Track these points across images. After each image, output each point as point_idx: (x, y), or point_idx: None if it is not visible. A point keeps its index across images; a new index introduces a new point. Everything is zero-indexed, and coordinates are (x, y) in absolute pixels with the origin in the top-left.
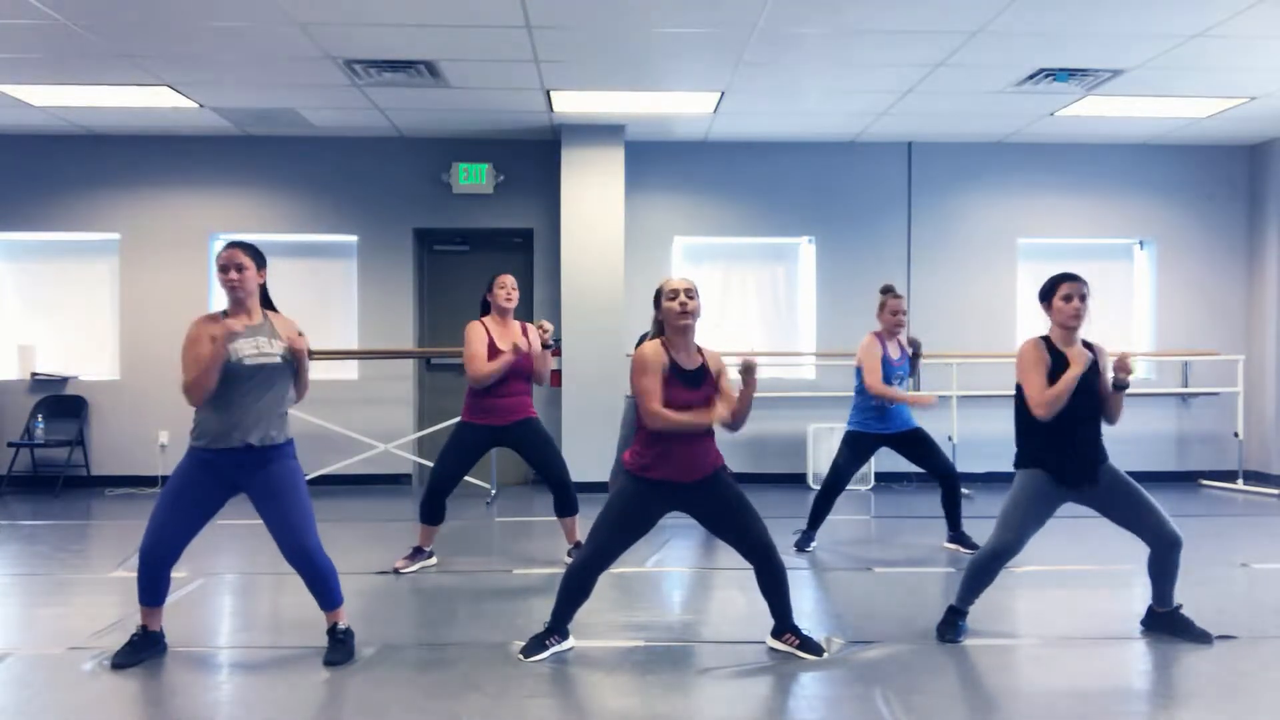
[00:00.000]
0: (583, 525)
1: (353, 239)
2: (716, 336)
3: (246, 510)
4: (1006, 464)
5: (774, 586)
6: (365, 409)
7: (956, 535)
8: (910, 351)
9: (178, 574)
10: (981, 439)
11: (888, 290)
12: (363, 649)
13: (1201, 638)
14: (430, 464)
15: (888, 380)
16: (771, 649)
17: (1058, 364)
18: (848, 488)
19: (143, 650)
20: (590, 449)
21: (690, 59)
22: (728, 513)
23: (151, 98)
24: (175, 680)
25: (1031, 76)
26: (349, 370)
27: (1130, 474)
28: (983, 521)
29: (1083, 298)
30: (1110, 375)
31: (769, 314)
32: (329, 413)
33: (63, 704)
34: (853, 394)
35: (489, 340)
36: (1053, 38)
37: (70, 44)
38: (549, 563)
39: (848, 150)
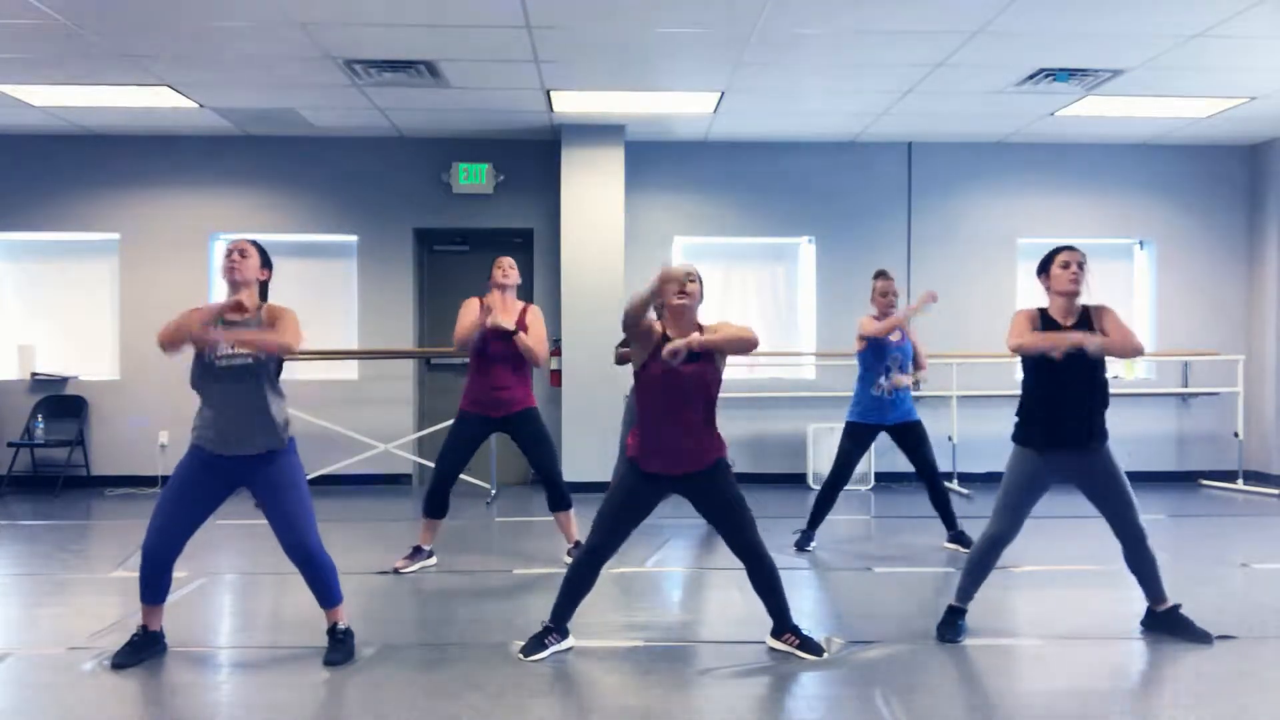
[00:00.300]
0: (581, 526)
1: (353, 239)
2: None
3: (246, 510)
4: (1005, 464)
5: (767, 588)
6: (365, 409)
7: (955, 535)
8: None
9: (178, 574)
10: (981, 439)
11: (877, 275)
12: (363, 649)
13: (1201, 638)
14: (430, 464)
15: (884, 360)
16: (771, 649)
17: (1049, 328)
18: (847, 487)
19: (143, 650)
20: (590, 448)
21: (690, 59)
22: (720, 511)
23: (151, 98)
24: (175, 680)
25: (1031, 76)
26: (349, 370)
27: (1130, 474)
28: (983, 522)
29: (1080, 265)
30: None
31: (769, 314)
32: (329, 413)
33: (63, 704)
34: (852, 391)
35: (483, 326)
36: (1053, 38)
37: (70, 44)
38: (549, 562)
39: (848, 150)
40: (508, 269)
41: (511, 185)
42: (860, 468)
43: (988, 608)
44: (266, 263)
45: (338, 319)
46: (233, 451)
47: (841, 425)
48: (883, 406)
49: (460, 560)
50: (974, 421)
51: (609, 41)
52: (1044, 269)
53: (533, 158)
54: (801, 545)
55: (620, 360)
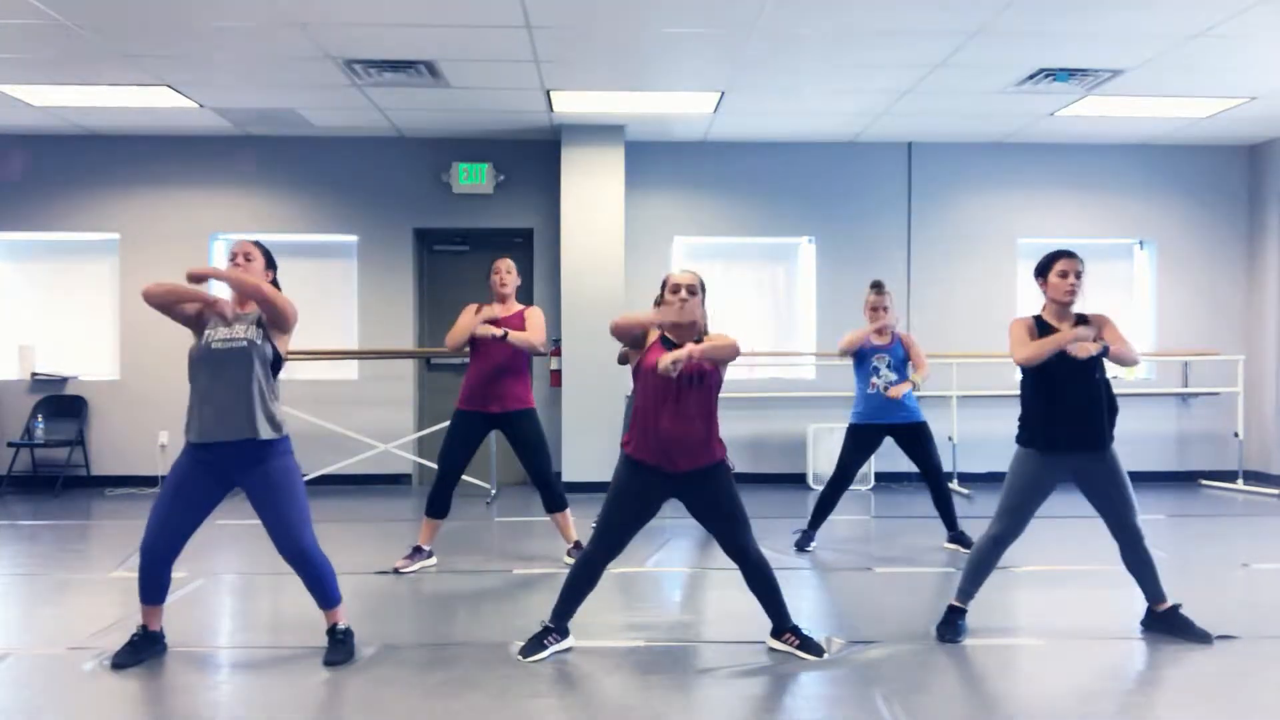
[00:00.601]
0: (581, 527)
1: (353, 239)
2: None
3: (246, 510)
4: (1006, 464)
5: (763, 590)
6: (365, 409)
7: (956, 535)
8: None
9: (177, 574)
10: (981, 439)
11: (871, 286)
12: (363, 649)
13: (1201, 638)
14: (430, 464)
15: (868, 360)
16: (771, 649)
17: (1045, 335)
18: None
19: (143, 650)
20: (590, 449)
21: (690, 59)
22: (714, 512)
23: (151, 98)
24: (175, 680)
25: (1031, 76)
26: (349, 370)
27: (1130, 474)
28: (984, 522)
29: (1078, 275)
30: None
31: (769, 314)
32: (329, 413)
33: (63, 704)
34: (853, 392)
35: (476, 313)
36: (1053, 38)
37: (70, 44)
38: (549, 562)
39: (848, 150)
40: (505, 274)
41: (511, 185)
42: (860, 468)
43: (988, 608)
44: (271, 264)
45: (338, 319)
46: (217, 437)
47: (842, 425)
48: (884, 407)
49: (460, 560)
50: (974, 421)
51: (609, 41)
52: (1041, 273)
53: (533, 158)
54: (802, 545)
55: (623, 360)
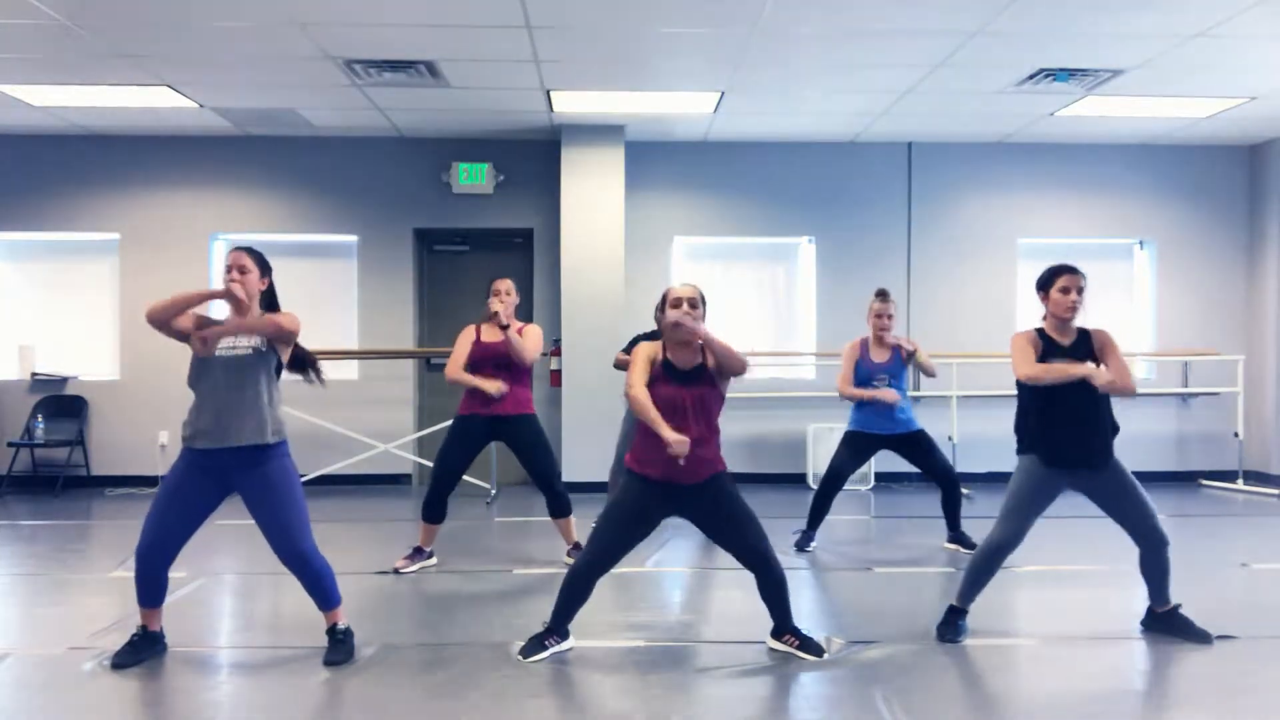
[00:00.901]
0: (581, 527)
1: (353, 239)
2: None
3: (245, 510)
4: (1006, 464)
5: (774, 594)
6: (365, 409)
7: (956, 535)
8: (906, 352)
9: (177, 574)
10: (981, 439)
11: (876, 294)
12: (363, 649)
13: (1201, 638)
14: (430, 464)
15: (868, 381)
16: (771, 649)
17: (1049, 349)
18: (847, 487)
19: (143, 650)
20: (590, 449)
21: (690, 59)
22: (724, 521)
23: (151, 98)
24: (175, 680)
25: (1031, 76)
26: (349, 370)
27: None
28: (984, 522)
29: (1080, 291)
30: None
31: (769, 314)
32: (329, 413)
33: (63, 704)
34: None
35: (476, 340)
36: (1053, 38)
37: (70, 44)
38: (549, 563)
39: (848, 150)
40: (505, 296)
41: (511, 185)
42: (852, 474)
43: (988, 608)
44: (265, 270)
45: (338, 319)
46: (219, 444)
47: (841, 425)
48: (882, 416)
49: (460, 560)
50: (974, 421)
51: (609, 41)
52: (1043, 287)
53: (533, 158)
54: (802, 546)
55: (619, 365)
